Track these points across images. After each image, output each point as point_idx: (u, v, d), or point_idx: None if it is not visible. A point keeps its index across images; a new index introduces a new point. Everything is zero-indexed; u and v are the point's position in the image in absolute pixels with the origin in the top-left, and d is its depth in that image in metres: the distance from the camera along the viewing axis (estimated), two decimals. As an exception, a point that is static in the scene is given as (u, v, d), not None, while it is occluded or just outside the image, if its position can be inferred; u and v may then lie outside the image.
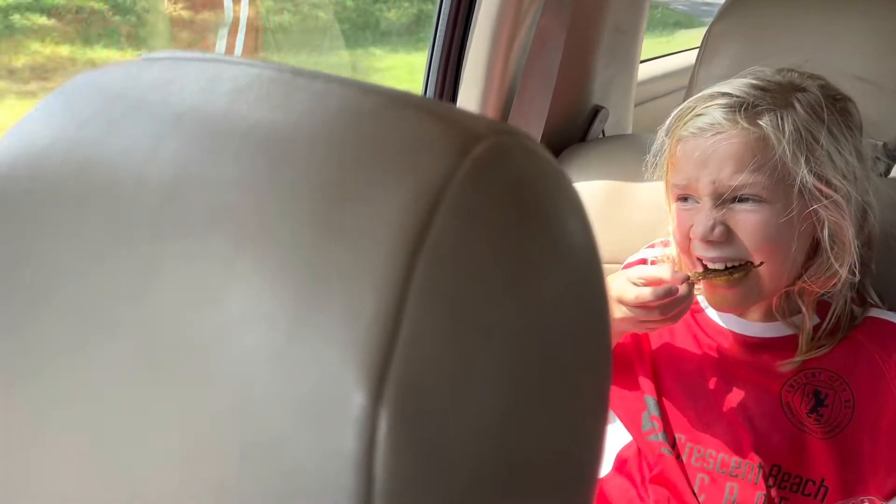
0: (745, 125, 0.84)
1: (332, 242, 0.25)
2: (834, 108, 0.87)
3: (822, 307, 0.90)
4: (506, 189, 0.27)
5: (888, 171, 1.09)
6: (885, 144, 1.05)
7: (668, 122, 0.93)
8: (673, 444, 0.93)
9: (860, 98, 1.04)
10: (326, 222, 0.26)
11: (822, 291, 0.88)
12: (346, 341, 0.24)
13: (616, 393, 0.98)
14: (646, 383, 0.95)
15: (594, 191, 1.21)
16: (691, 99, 0.91)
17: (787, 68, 0.91)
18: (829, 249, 0.85)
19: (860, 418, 0.87)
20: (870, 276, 0.91)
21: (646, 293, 0.84)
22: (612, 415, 0.99)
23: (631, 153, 1.26)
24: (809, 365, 0.89)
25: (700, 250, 0.87)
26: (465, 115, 0.29)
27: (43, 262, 0.31)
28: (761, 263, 0.85)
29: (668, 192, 0.94)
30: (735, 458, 0.90)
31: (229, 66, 0.32)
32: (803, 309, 0.89)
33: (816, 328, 0.89)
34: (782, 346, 0.91)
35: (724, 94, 0.87)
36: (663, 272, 0.86)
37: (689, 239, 0.88)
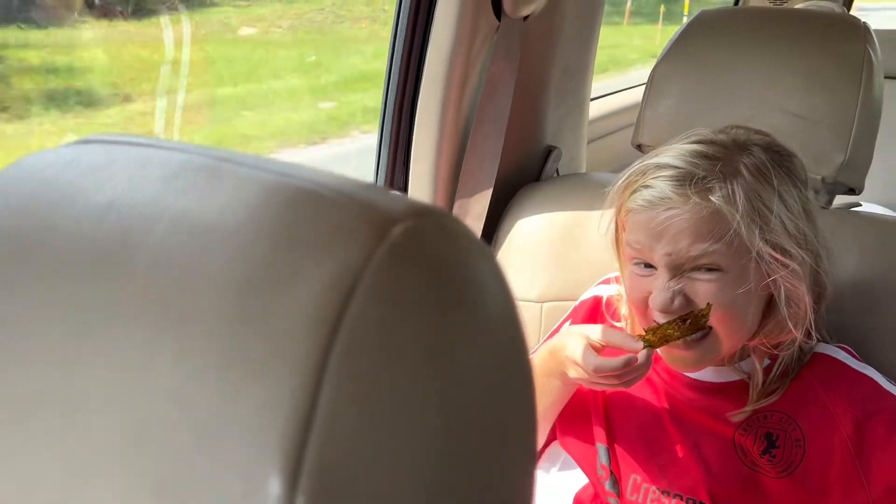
0: (697, 200, 0.82)
1: (251, 332, 0.26)
2: (780, 168, 0.86)
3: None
4: (423, 269, 0.29)
5: (830, 202, 1.12)
6: (823, 178, 1.08)
7: (611, 194, 0.90)
8: (619, 493, 0.94)
9: (798, 133, 1.07)
10: (246, 311, 0.27)
11: (774, 349, 0.89)
12: (264, 430, 0.25)
13: (571, 439, 0.99)
14: (598, 432, 0.96)
15: (549, 229, 1.23)
16: (634, 169, 0.88)
17: (731, 126, 0.90)
18: (785, 313, 0.85)
19: (811, 456, 0.88)
20: (820, 319, 0.91)
21: (605, 366, 0.84)
22: (569, 458, 0.99)
23: (584, 192, 1.28)
24: (761, 408, 0.90)
25: (659, 318, 0.86)
26: (384, 198, 0.30)
27: None
28: (709, 306, 0.85)
29: (617, 249, 0.93)
30: (689, 499, 0.91)
31: (160, 151, 0.34)
32: (755, 363, 0.90)
33: (767, 370, 0.90)
34: (734, 390, 0.91)
35: (670, 167, 0.85)
36: (624, 341, 0.85)
37: (646, 304, 0.87)
